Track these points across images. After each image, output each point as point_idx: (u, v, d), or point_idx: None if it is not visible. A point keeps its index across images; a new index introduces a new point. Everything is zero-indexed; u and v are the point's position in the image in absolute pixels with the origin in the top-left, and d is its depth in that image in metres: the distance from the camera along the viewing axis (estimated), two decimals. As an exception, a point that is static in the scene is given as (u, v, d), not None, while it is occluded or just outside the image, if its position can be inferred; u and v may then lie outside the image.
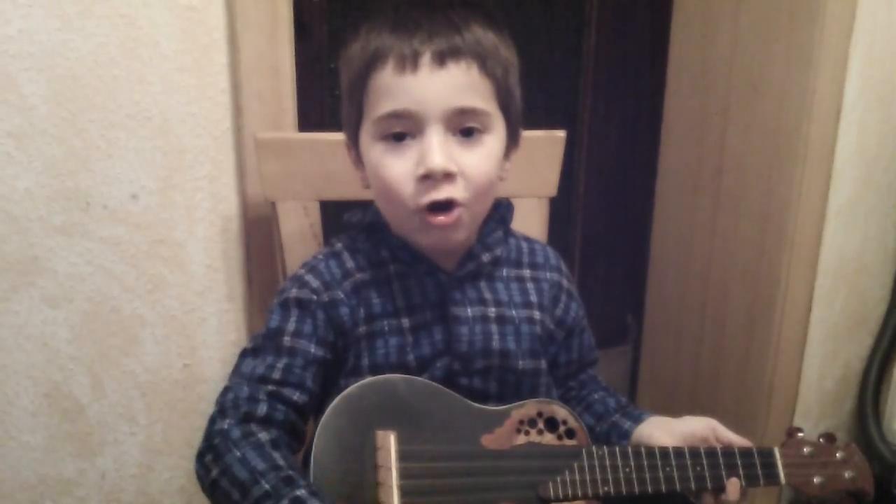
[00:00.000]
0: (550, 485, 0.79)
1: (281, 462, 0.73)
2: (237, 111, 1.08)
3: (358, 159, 0.86)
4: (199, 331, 1.15)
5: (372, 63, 0.79)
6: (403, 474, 0.74)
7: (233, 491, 0.72)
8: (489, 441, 0.79)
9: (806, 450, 0.87)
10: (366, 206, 0.89)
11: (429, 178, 0.77)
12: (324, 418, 0.76)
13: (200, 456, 0.77)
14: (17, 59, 0.97)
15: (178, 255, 1.11)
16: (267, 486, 0.70)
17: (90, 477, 1.15)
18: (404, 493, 0.74)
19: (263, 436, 0.76)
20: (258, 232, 1.13)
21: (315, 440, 0.75)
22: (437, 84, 0.77)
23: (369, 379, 0.78)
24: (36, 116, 0.99)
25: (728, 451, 0.84)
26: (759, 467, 0.84)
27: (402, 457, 0.75)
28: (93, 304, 1.08)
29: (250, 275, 1.15)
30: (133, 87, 1.03)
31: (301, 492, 0.70)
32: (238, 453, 0.73)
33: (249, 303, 1.16)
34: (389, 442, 0.75)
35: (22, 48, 0.97)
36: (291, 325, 0.83)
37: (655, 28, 1.71)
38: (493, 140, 0.81)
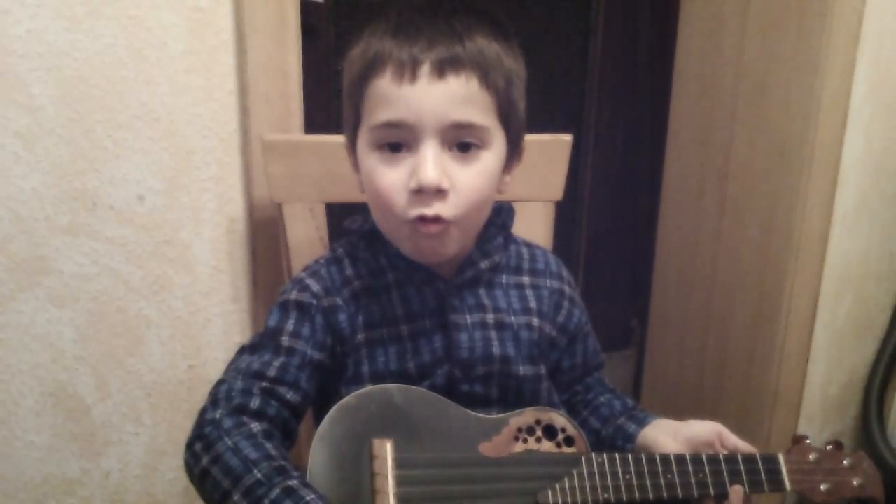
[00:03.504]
0: (549, 492, 0.78)
1: (273, 452, 0.73)
2: (244, 113, 1.08)
3: (356, 162, 0.85)
4: (204, 332, 1.15)
5: (371, 68, 0.78)
6: (400, 482, 0.74)
7: (224, 480, 0.71)
8: (487, 449, 0.78)
9: (812, 456, 0.86)
10: (368, 211, 0.89)
11: (421, 192, 0.77)
12: (320, 428, 0.75)
13: (190, 445, 0.76)
14: (26, 60, 0.97)
15: (183, 256, 1.11)
16: (259, 475, 0.70)
17: (94, 477, 1.16)
18: (401, 500, 0.73)
19: (255, 426, 0.75)
20: (264, 233, 1.13)
21: (311, 450, 0.74)
22: (435, 96, 0.76)
23: (365, 388, 0.78)
24: (43, 117, 1.00)
25: (731, 457, 0.83)
26: (762, 473, 0.84)
27: (399, 464, 0.75)
28: (98, 305, 1.09)
29: (256, 276, 1.15)
30: (140, 89, 1.03)
31: (293, 482, 0.69)
32: (230, 442, 0.72)
33: (255, 304, 1.16)
34: (385, 450, 0.75)
35: (30, 49, 0.97)
36: (290, 326, 0.83)
37: (661, 32, 1.71)
38: (490, 156, 0.80)
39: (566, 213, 1.68)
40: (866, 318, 1.59)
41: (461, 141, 0.78)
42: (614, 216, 1.84)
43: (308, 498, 0.68)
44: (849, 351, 1.60)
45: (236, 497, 0.69)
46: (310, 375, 0.82)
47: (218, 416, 0.76)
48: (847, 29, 1.34)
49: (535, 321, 0.89)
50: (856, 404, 1.66)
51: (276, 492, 0.68)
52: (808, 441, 0.87)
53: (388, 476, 0.74)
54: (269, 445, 0.73)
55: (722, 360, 1.63)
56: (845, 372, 1.61)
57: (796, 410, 1.56)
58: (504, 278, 0.90)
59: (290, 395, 0.80)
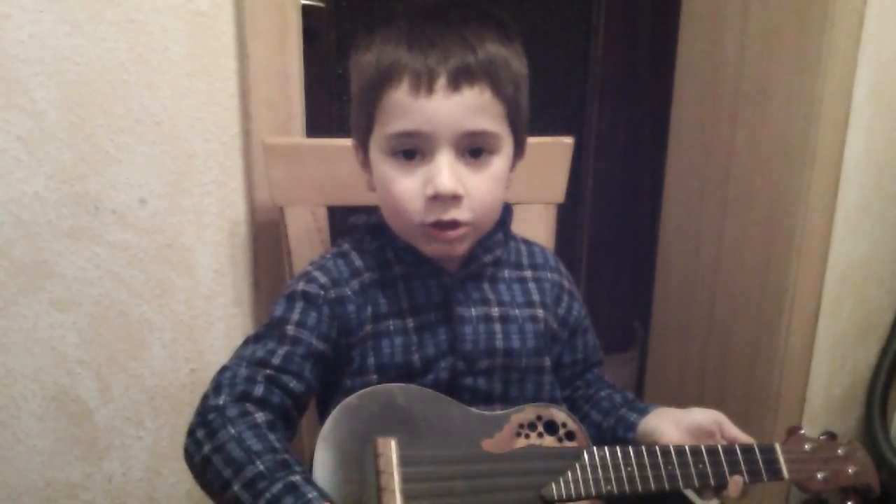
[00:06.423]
0: (553, 485, 0.78)
1: (277, 445, 0.72)
2: (246, 116, 1.08)
3: (365, 162, 0.87)
4: (206, 335, 1.15)
5: (386, 79, 0.79)
6: (405, 478, 0.74)
7: (225, 469, 0.70)
8: (490, 445, 0.79)
9: (807, 446, 0.88)
10: (371, 211, 0.90)
11: (437, 199, 0.79)
12: (323, 429, 0.75)
13: (192, 431, 0.75)
14: (28, 65, 0.97)
15: (185, 260, 1.11)
16: (262, 467, 0.69)
17: (97, 481, 1.16)
18: (407, 497, 0.73)
19: (260, 416, 0.74)
20: (266, 237, 1.13)
21: (315, 451, 0.74)
22: (451, 108, 0.78)
23: (367, 389, 0.78)
24: (45, 121, 1.00)
25: (729, 448, 0.84)
26: (761, 463, 0.84)
27: (404, 462, 0.75)
28: (101, 309, 1.09)
29: (258, 279, 1.15)
30: (142, 92, 1.03)
31: (296, 477, 0.68)
32: (233, 431, 0.72)
33: (257, 307, 1.16)
34: (390, 448, 0.75)
35: (32, 53, 0.97)
36: (296, 316, 0.83)
37: (662, 34, 1.71)
38: (500, 161, 0.83)
39: (568, 216, 1.68)
40: (869, 319, 1.59)
41: (473, 147, 0.80)
42: (616, 219, 1.84)
43: (310, 496, 0.67)
44: (851, 352, 1.59)
45: (236, 487, 0.69)
46: (313, 366, 0.82)
47: (221, 402, 0.75)
48: (848, 29, 1.34)
49: (540, 312, 0.90)
50: (859, 406, 1.65)
51: (278, 486, 0.68)
52: (802, 432, 0.88)
53: (393, 473, 0.74)
54: (272, 437, 0.73)
55: (724, 362, 1.63)
56: (848, 373, 1.61)
57: (799, 412, 1.55)
58: (506, 273, 0.92)
59: (293, 384, 0.79)
